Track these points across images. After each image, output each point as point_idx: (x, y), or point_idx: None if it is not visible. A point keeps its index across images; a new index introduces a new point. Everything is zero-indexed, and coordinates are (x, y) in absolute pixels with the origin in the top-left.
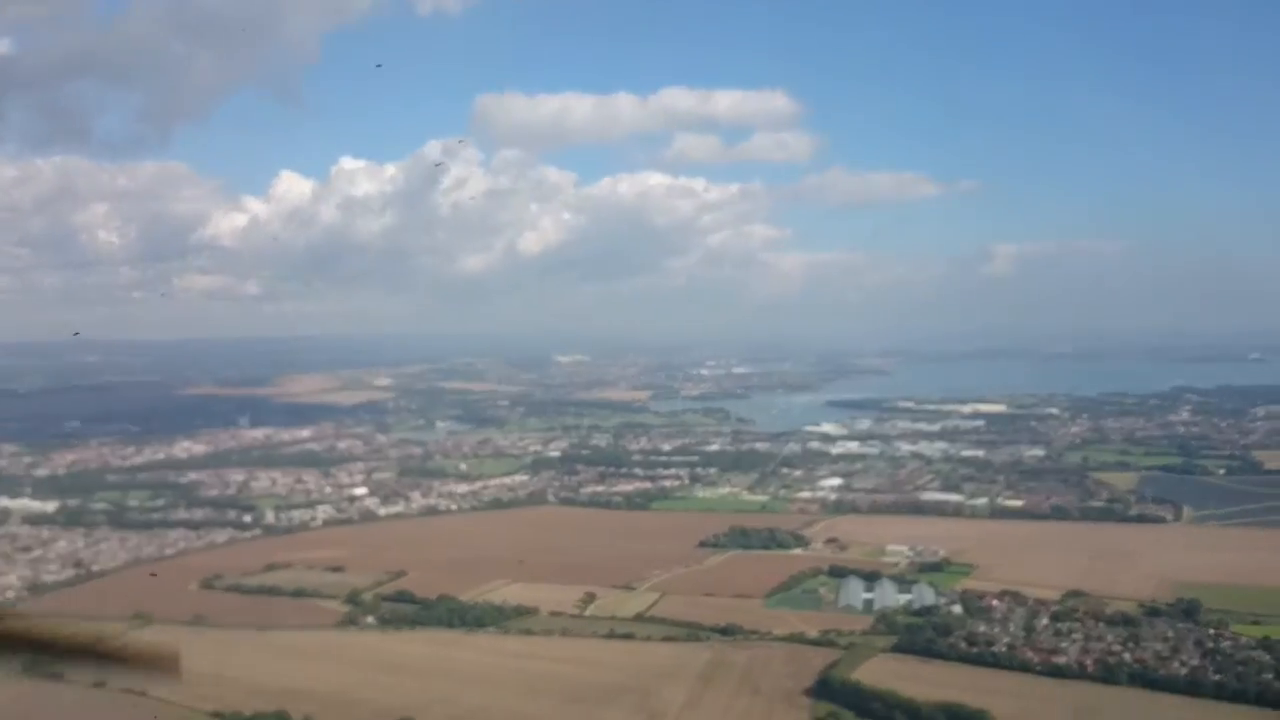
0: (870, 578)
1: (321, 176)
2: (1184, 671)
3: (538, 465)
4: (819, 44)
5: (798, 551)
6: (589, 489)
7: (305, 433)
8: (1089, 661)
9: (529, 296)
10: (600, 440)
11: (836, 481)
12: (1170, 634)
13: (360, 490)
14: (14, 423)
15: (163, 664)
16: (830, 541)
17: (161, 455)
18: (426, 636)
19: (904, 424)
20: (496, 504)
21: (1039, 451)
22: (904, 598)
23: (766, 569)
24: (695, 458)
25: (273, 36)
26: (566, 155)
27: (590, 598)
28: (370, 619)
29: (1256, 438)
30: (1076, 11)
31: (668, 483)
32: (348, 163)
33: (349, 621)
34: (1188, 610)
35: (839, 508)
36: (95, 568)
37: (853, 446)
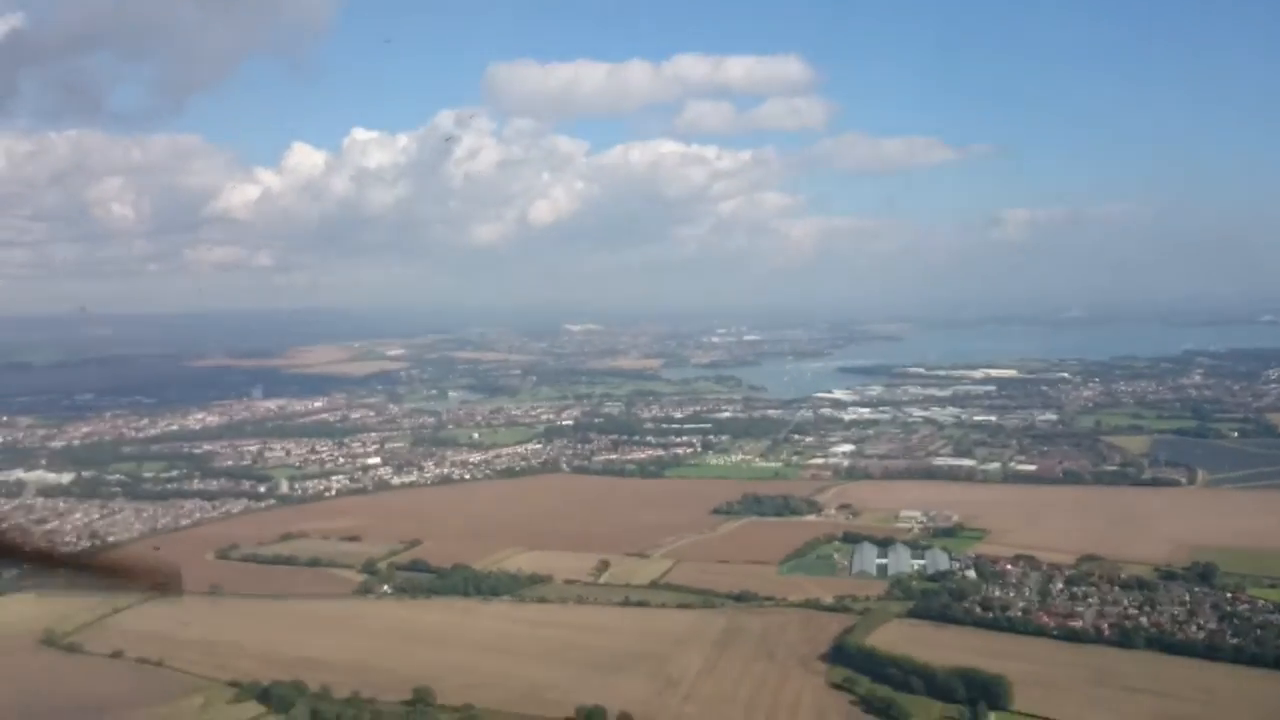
0: (884, 543)
1: (334, 148)
2: (1201, 635)
3: (550, 434)
4: (833, 8)
5: (811, 518)
6: (601, 457)
7: (318, 403)
8: (1105, 626)
9: (540, 266)
10: (612, 408)
11: (849, 448)
12: (1187, 598)
13: (374, 460)
14: (29, 396)
15: (164, 579)
16: (843, 507)
17: (175, 426)
18: (442, 605)
19: (915, 389)
20: (509, 472)
21: (1051, 416)
22: (918, 563)
23: (780, 535)
24: (707, 425)
25: (285, 4)
26: (578, 124)
27: (604, 565)
28: (386, 588)
29: (1270, 400)
30: None
31: (680, 450)
32: (360, 133)
33: (365, 591)
34: (1204, 574)
35: (851, 474)
36: (111, 539)
37: (864, 412)
